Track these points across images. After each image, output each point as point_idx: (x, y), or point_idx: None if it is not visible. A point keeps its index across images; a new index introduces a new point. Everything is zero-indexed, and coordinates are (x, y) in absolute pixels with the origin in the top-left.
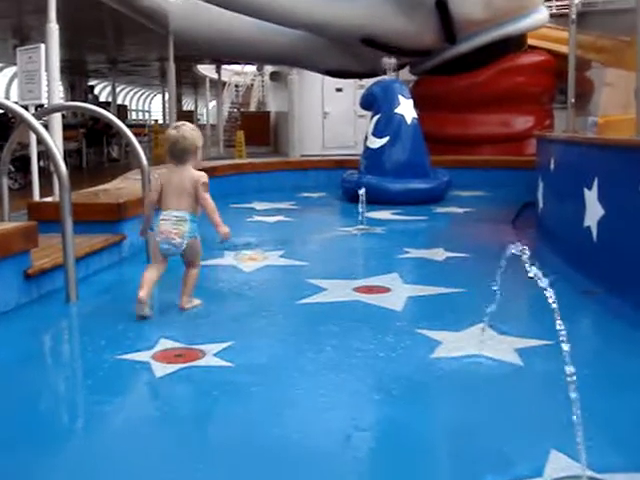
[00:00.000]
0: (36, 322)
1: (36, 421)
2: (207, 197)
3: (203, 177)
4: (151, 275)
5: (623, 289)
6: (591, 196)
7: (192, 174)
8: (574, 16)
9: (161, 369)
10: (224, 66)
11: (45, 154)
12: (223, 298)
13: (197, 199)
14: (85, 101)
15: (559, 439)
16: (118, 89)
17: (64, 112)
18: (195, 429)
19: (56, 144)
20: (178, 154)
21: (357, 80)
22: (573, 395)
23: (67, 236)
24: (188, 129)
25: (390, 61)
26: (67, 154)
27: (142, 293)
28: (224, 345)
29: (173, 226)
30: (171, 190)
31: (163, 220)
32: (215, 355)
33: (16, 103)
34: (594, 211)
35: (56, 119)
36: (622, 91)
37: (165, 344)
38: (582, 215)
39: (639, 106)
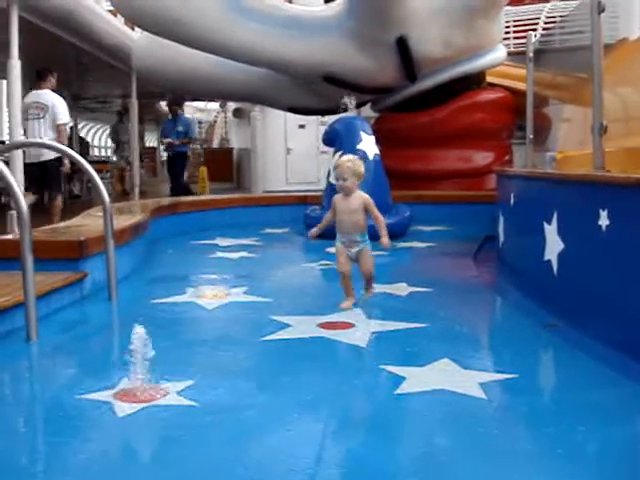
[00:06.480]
0: None
1: None
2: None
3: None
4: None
5: (583, 322)
6: (551, 230)
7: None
8: (531, 54)
9: (123, 409)
10: (187, 103)
11: (5, 191)
12: (185, 336)
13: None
14: None
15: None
16: (80, 125)
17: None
18: (158, 470)
19: (17, 180)
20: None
21: (319, 117)
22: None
23: (27, 274)
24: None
25: (351, 98)
26: None
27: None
28: (187, 383)
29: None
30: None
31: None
32: (178, 394)
33: None
34: (554, 245)
35: (17, 155)
36: (579, 127)
37: (127, 383)
38: (542, 249)
39: (596, 142)
